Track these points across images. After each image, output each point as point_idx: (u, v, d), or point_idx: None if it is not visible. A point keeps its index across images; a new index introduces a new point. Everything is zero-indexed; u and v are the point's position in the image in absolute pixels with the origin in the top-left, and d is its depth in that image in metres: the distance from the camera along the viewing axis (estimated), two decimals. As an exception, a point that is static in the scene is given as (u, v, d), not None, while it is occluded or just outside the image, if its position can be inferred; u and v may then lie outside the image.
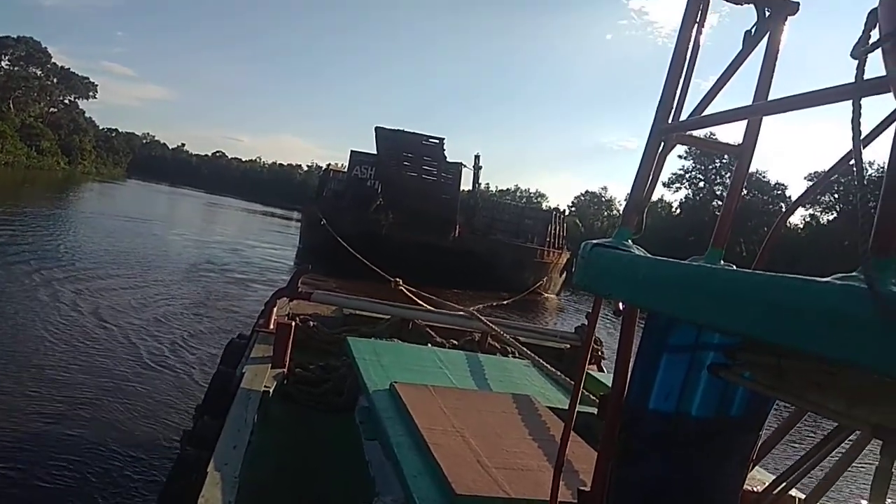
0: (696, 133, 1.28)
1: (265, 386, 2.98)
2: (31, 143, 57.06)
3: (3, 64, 61.50)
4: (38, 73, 65.44)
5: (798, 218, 39.34)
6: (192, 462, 2.45)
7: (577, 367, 1.31)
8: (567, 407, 3.10)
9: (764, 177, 40.95)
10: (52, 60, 66.48)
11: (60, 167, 61.81)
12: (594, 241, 1.11)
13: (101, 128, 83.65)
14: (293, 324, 3.62)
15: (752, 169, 1.43)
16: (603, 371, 4.57)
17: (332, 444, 2.83)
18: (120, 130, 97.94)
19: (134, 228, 23.35)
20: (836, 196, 37.59)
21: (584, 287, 1.13)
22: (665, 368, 0.92)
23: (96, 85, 72.88)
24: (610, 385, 3.73)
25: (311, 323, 4.26)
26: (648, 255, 1.02)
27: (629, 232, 1.13)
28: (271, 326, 3.89)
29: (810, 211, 37.99)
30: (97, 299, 10.21)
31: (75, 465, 4.63)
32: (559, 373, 3.28)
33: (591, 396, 3.15)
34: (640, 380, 0.95)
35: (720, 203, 43.69)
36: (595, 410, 3.05)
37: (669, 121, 1.17)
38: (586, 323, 5.02)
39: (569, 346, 4.89)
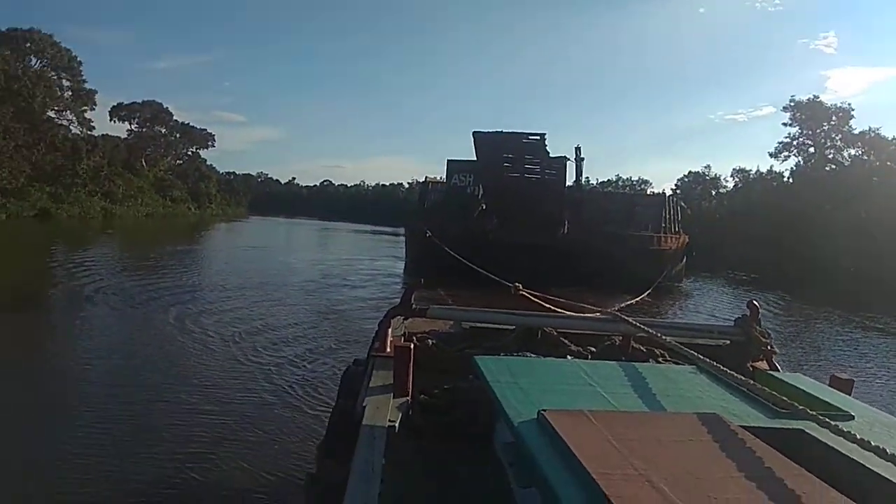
0: None
1: (390, 420, 2.60)
2: (164, 194, 63.54)
3: (132, 126, 68.81)
4: (163, 130, 72.40)
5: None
6: None
7: None
8: (761, 423, 2.45)
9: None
10: (174, 118, 73.57)
11: (192, 212, 67.96)
12: None
13: (221, 172, 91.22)
14: (411, 345, 3.24)
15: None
16: (777, 369, 3.77)
17: (475, 491, 2.37)
18: (237, 173, 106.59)
19: (259, 256, 26.77)
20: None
21: None
22: None
23: (213, 135, 79.32)
24: (795, 384, 2.90)
25: (430, 341, 3.84)
26: None
27: None
28: (388, 349, 3.53)
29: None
30: (220, 322, 10.91)
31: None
32: (743, 377, 2.60)
33: (780, 399, 2.45)
34: None
35: (834, 167, 38.53)
36: (797, 424, 2.37)
37: None
38: (748, 313, 4.21)
39: (728, 341, 4.11)
